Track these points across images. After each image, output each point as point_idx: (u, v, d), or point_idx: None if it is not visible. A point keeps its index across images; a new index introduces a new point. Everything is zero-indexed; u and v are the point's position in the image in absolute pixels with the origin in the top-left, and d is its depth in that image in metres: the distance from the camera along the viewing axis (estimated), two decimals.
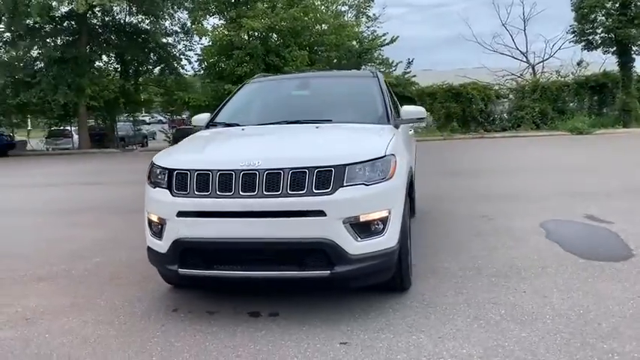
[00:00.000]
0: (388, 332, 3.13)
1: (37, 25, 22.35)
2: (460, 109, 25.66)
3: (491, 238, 5.27)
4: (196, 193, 3.26)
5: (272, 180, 3.16)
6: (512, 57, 28.98)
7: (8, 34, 24.33)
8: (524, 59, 28.72)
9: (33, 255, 5.39)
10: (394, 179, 3.38)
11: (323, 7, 25.30)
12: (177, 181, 3.34)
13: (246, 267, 3.25)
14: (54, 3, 20.28)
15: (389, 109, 4.42)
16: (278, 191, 3.14)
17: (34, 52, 23.57)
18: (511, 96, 25.43)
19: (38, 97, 22.13)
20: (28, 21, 21.44)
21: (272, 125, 4.28)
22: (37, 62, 23.88)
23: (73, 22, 24.13)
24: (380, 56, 26.96)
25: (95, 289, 4.17)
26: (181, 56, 28.47)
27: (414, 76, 26.19)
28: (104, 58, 27.68)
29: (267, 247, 3.17)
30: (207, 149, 3.81)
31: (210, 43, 22.61)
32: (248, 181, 3.18)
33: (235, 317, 3.45)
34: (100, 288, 4.18)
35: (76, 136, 30.23)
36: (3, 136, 22.97)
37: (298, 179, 3.15)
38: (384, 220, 3.30)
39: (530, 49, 29.14)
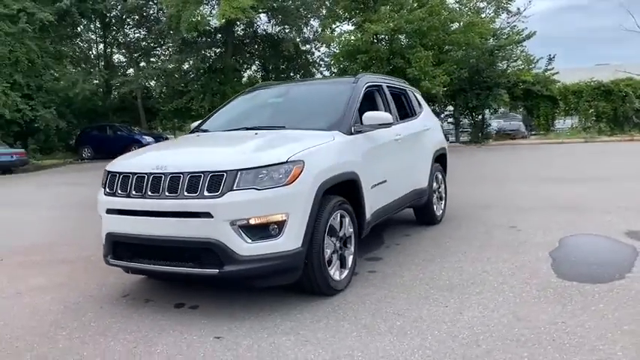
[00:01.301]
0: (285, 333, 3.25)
1: (191, 39, 25.09)
2: (611, 109, 23.11)
3: (493, 249, 4.93)
4: (119, 193, 3.69)
5: (173, 183, 3.46)
6: None
7: (170, 48, 27.69)
8: None
9: None
10: (295, 185, 3.46)
11: (457, 6, 24.49)
12: (109, 182, 3.81)
13: (155, 261, 3.58)
14: (199, 18, 22.56)
15: (350, 115, 4.42)
16: (176, 193, 3.43)
17: (186, 65, 26.42)
18: None
19: (186, 103, 24.90)
20: (185, 35, 24.10)
21: (227, 132, 4.58)
22: (190, 73, 26.70)
23: (220, 35, 26.58)
24: (523, 52, 25.28)
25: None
26: (321, 62, 29.64)
27: (556, 73, 24.17)
28: (252, 67, 30.01)
29: (168, 244, 3.48)
30: (144, 153, 4.21)
31: (337, 50, 23.27)
32: (155, 183, 3.51)
33: (162, 307, 3.80)
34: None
35: None
36: (161, 137, 26.19)
37: (194, 183, 3.41)
38: (281, 224, 3.40)
39: None
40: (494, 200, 7.72)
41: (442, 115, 24.33)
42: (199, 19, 22.16)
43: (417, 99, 6.20)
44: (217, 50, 27.17)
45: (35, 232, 7.19)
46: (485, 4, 25.57)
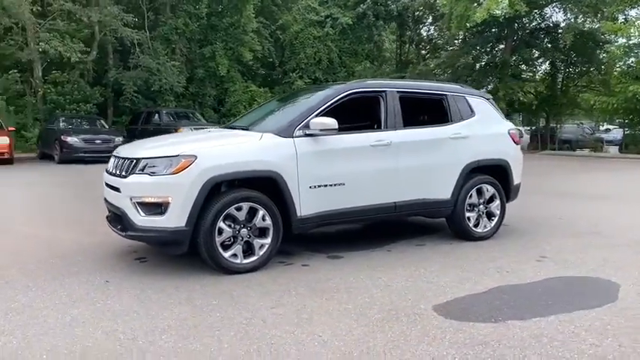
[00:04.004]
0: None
1: (466, 36, 25.23)
2: None
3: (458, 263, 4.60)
4: (107, 169, 5.04)
5: (121, 165, 4.65)
6: None
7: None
8: None
9: None
10: (181, 175, 4.25)
11: None
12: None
13: (114, 223, 4.81)
14: (470, 13, 22.43)
15: (298, 120, 4.79)
16: (118, 173, 4.63)
17: (463, 59, 26.52)
18: None
19: None
20: (457, 32, 24.46)
21: (206, 129, 5.48)
22: (463, 68, 26.74)
23: (496, 30, 25.79)
24: None
25: None
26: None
27: None
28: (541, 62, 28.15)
29: (112, 210, 4.71)
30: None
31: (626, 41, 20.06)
32: (115, 164, 4.77)
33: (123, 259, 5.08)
34: None
35: (526, 136, 32.12)
36: None
37: (124, 166, 4.55)
38: (165, 205, 4.27)
39: None
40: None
41: None
42: (472, 13, 22.05)
43: (464, 105, 5.79)
44: (492, 45, 26.41)
45: None
46: None
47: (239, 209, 4.45)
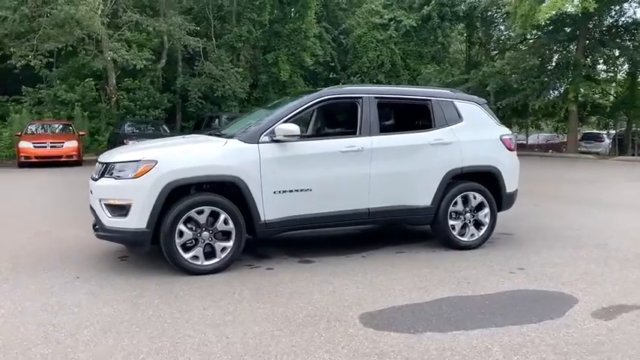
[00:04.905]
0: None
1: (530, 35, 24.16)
2: None
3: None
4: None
5: (98, 169, 4.97)
6: None
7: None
8: None
9: None
10: (141, 179, 4.50)
11: None
12: None
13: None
14: (535, 13, 21.44)
15: (264, 126, 4.90)
16: (94, 177, 4.95)
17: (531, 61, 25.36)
18: None
19: (518, 102, 24.20)
20: (521, 31, 23.50)
21: (189, 136, 5.70)
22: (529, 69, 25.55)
23: (570, 28, 24.48)
24: None
25: None
26: None
27: None
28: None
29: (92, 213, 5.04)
30: None
31: None
32: (96, 169, 5.10)
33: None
34: None
35: (607, 141, 30.27)
36: None
37: (100, 170, 4.86)
38: (127, 207, 4.53)
39: None
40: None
41: None
42: (537, 12, 21.10)
43: (451, 110, 5.61)
44: (564, 44, 25.10)
45: None
46: None
47: (200, 212, 4.63)
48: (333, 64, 29.26)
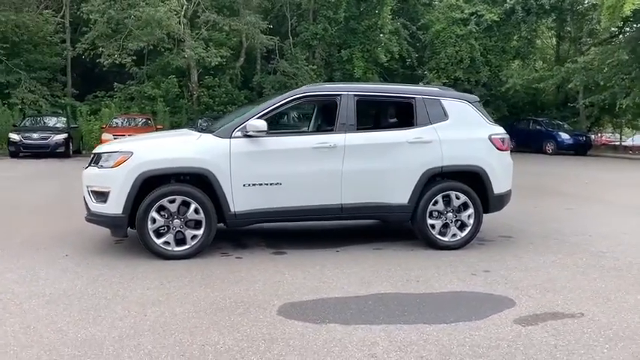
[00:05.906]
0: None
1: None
2: None
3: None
4: None
5: (92, 159, 5.49)
6: None
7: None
8: None
9: None
10: (118, 169, 4.94)
11: None
12: None
13: None
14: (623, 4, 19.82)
15: (237, 122, 5.17)
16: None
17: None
18: None
19: (604, 100, 22.50)
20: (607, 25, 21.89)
21: (172, 131, 6.04)
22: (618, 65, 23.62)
23: None
24: None
25: None
26: None
27: None
28: None
29: None
30: None
31: None
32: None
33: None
34: None
35: None
36: (582, 136, 24.60)
37: (92, 160, 5.38)
38: (106, 194, 5.00)
39: None
40: None
41: None
42: (624, 4, 19.57)
43: (436, 108, 5.53)
44: None
45: None
46: None
47: (172, 202, 4.99)
48: (409, 60, 28.85)
